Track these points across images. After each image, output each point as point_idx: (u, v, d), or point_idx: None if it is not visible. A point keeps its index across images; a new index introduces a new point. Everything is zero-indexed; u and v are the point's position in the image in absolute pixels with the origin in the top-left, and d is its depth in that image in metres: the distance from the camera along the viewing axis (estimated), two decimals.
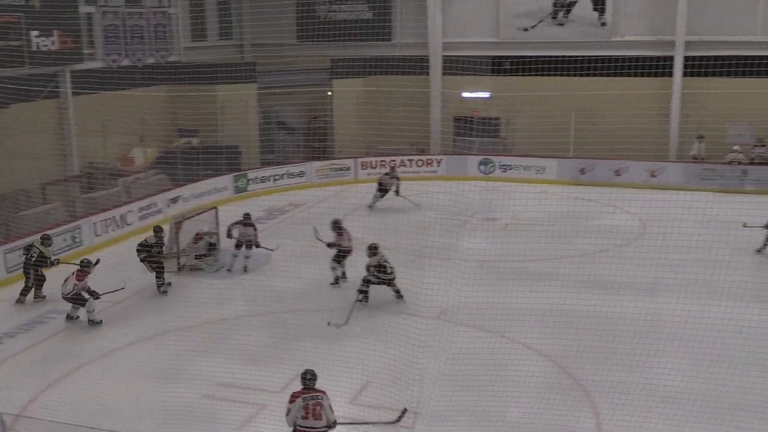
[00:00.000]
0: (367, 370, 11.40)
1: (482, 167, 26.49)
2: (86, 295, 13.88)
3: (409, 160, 26.61)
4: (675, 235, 17.85)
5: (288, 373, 11.69)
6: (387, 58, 27.03)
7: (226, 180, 23.58)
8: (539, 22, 27.26)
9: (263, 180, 24.57)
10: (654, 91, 26.13)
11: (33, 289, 15.30)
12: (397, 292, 14.80)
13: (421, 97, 28.32)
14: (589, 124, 25.74)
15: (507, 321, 13.20)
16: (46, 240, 15.53)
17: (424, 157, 26.81)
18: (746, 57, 23.84)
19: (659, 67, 25.50)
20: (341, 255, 15.89)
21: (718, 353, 11.73)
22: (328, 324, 13.63)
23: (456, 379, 11.40)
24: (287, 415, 9.29)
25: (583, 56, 25.44)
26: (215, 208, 18.94)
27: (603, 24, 26.66)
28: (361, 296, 14.56)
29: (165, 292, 15.64)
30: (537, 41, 27.23)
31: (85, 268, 14.06)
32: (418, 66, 27.56)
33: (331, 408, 9.32)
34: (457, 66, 25.98)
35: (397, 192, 22.23)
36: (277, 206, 22.69)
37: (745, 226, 17.16)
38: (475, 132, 27.36)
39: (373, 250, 14.73)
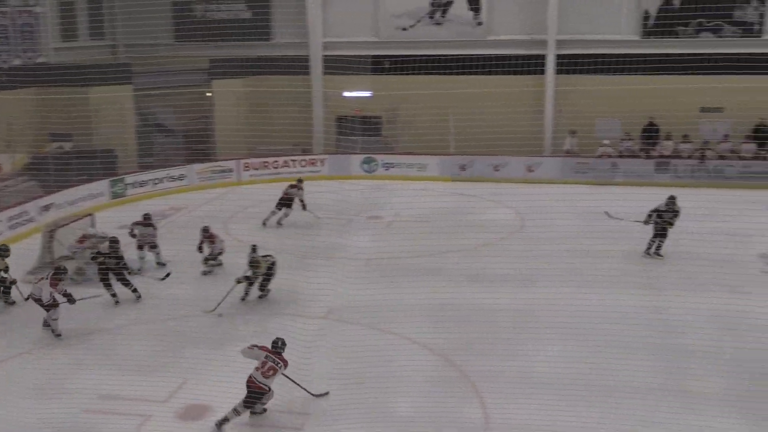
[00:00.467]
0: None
1: (365, 166, 26.68)
2: (61, 299, 13.39)
3: (293, 160, 26.49)
4: (552, 226, 18.60)
5: (173, 381, 11.45)
6: (267, 58, 26.80)
7: (102, 185, 22.75)
8: (417, 22, 27.70)
9: (142, 184, 23.86)
10: (529, 89, 27.01)
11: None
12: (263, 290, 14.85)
13: (302, 97, 28.23)
14: (468, 122, 26.33)
15: (393, 317, 13.36)
16: (3, 252, 14.77)
17: (307, 157, 26.75)
18: (613, 55, 25.01)
19: (533, 65, 26.39)
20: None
21: (593, 339, 12.29)
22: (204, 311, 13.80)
23: (345, 378, 11.44)
24: (244, 350, 10.62)
25: (461, 55, 26.10)
26: (91, 214, 18.28)
27: (479, 23, 27.35)
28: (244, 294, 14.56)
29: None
30: (416, 40, 27.65)
31: (61, 274, 13.65)
32: (299, 66, 27.46)
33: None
34: (338, 65, 26.05)
35: (303, 206, 20.46)
36: (158, 211, 22.05)
37: (607, 215, 17.84)
38: (357, 131, 27.55)
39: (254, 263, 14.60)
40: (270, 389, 10.38)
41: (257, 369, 10.32)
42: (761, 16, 25.43)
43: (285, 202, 20.36)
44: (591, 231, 17.96)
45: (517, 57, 26.28)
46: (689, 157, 24.80)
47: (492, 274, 15.85)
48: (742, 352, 12.06)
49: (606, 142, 25.78)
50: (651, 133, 26.06)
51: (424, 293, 14.27)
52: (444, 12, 27.55)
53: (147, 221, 16.99)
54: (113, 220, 18.21)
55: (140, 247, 16.80)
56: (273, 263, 14.73)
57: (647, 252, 17.31)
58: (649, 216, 17.10)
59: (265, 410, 10.60)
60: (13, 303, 14.85)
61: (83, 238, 16.80)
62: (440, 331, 13.12)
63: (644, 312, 13.91)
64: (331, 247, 17.96)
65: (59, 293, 13.52)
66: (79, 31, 27.31)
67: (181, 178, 24.69)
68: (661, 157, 25.18)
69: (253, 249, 14.99)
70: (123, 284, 15.01)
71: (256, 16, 28.33)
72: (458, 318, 13.63)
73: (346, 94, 28.23)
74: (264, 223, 20.26)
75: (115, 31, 28.76)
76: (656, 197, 17.65)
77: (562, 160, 25.87)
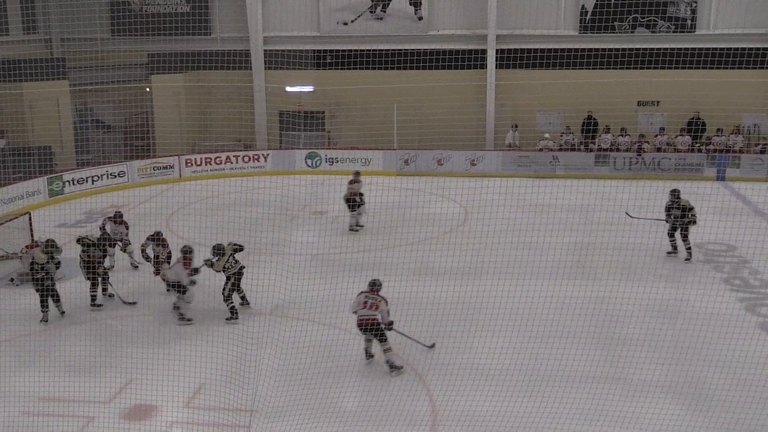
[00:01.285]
0: (200, 372, 11.17)
1: (309, 161, 26.59)
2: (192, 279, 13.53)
3: (235, 156, 26.22)
4: (495, 220, 18.81)
5: (116, 381, 11.28)
6: (207, 52, 26.51)
7: (38, 183, 22.18)
8: (359, 17, 27.70)
9: (80, 182, 23.35)
10: (470, 83, 27.26)
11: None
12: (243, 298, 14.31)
13: (244, 92, 27.99)
14: (411, 116, 26.51)
15: (340, 313, 13.36)
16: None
17: (250, 153, 26.50)
18: (551, 50, 25.46)
19: (474, 60, 26.64)
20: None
21: (536, 330, 12.51)
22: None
23: (292, 374, 11.41)
24: (352, 303, 11.98)
25: (403, 50, 26.18)
26: (28, 213, 17.82)
27: (420, 18, 27.48)
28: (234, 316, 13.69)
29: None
30: (357, 35, 27.64)
31: (190, 253, 13.69)
32: (240, 60, 27.22)
33: (388, 312, 11.79)
34: (280, 60, 25.92)
35: (361, 201, 19.55)
36: (97, 208, 21.67)
37: (628, 215, 17.67)
38: (300, 126, 27.46)
39: (218, 250, 13.78)
40: (390, 323, 11.77)
41: (363, 309, 11.76)
42: (693, 12, 26.14)
43: (353, 198, 19.52)
44: (533, 224, 18.23)
45: (458, 52, 26.58)
46: (627, 150, 25.36)
47: (437, 267, 15.97)
48: (680, 340, 12.41)
49: (547, 135, 26.19)
50: (590, 127, 26.58)
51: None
52: (385, 7, 27.61)
53: (119, 219, 16.59)
54: (51, 219, 17.79)
55: (112, 245, 16.10)
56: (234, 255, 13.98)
57: (673, 251, 17.17)
58: (668, 214, 17.09)
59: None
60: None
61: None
62: None
63: (585, 302, 14.19)
64: (275, 243, 17.84)
65: (189, 274, 13.46)
66: (11, 25, 26.54)
67: (121, 175, 24.24)
68: (601, 150, 25.69)
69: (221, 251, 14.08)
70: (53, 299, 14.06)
71: (195, 10, 27.99)
72: (404, 312, 13.69)
73: (289, 88, 28.09)
74: (355, 229, 19.38)
75: (50, 24, 28.07)
76: (596, 189, 17.99)
77: (504, 153, 26.19)
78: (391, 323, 11.83)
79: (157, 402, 10.59)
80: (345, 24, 27.82)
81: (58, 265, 14.21)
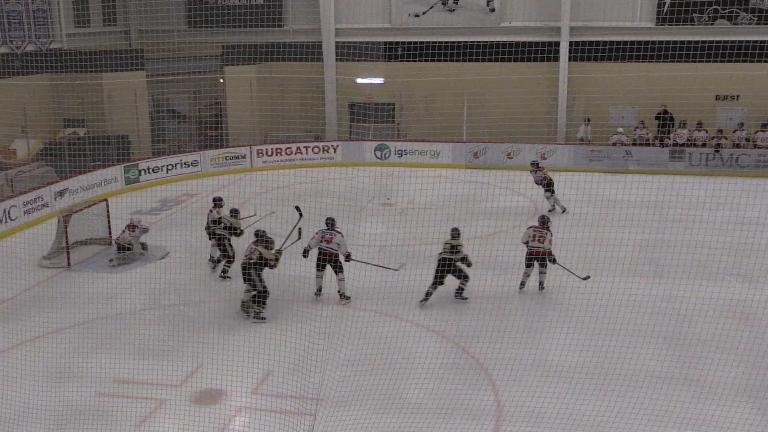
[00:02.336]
0: (268, 360, 11.35)
1: (378, 153, 26.66)
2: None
3: (305, 147, 26.48)
4: (566, 214, 18.53)
5: (187, 366, 11.54)
6: (280, 44, 26.80)
7: (115, 171, 22.83)
8: (430, 8, 27.58)
9: (155, 170, 23.94)
10: (542, 76, 26.90)
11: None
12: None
13: (315, 84, 28.21)
14: (481, 109, 26.30)
15: (407, 304, 13.39)
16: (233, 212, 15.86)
17: (320, 144, 26.73)
18: (627, 42, 24.87)
19: (547, 52, 26.26)
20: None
21: (605, 327, 12.28)
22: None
23: (357, 364, 11.48)
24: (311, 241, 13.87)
25: (474, 42, 26.00)
26: (105, 200, 18.36)
27: (492, 10, 27.22)
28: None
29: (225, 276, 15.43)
30: (428, 27, 27.55)
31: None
32: (311, 52, 27.44)
33: (345, 245, 13.80)
34: (351, 52, 26.04)
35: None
36: (171, 197, 22.18)
37: None
38: (370, 118, 27.55)
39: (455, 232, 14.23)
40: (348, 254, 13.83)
41: (323, 243, 13.83)
42: None
43: (546, 182, 19.92)
44: (605, 219, 17.90)
45: (530, 44, 26.21)
46: (704, 146, 24.66)
47: (505, 261, 15.81)
48: (756, 341, 12.03)
49: (620, 129, 25.65)
50: (665, 121, 25.91)
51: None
52: None
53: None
54: (127, 206, 18.29)
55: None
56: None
57: None
58: None
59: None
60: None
61: (131, 227, 16.84)
62: (452, 318, 13.15)
63: (657, 300, 13.89)
64: (344, 234, 17.97)
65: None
66: (92, 17, 27.36)
67: (194, 164, 24.75)
68: (676, 145, 25.04)
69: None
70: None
71: (268, 2, 28.33)
72: (471, 305, 13.64)
73: (359, 80, 28.20)
74: (560, 209, 19.80)
75: (128, 17, 28.83)
76: (670, 185, 17.56)
77: (576, 147, 25.77)
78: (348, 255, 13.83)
79: (225, 387, 10.80)
80: (416, 16, 27.75)
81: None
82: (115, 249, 16.72)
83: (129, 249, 16.54)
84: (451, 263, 13.65)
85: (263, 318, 13.35)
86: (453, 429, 9.86)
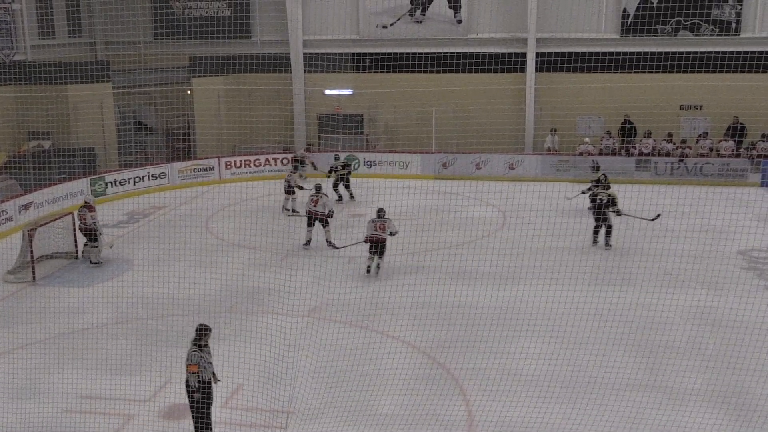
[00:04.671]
0: (238, 373, 11.25)
1: None
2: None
3: (274, 158, 26.40)
4: (533, 224, 18.66)
5: (155, 380, 11.40)
6: (248, 55, 26.73)
7: (82, 184, 22.56)
8: (398, 20, 27.72)
9: (122, 183, 23.71)
10: (509, 86, 27.12)
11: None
12: None
13: (284, 95, 28.18)
14: (450, 120, 26.45)
15: (377, 315, 13.37)
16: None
17: (289, 155, 26.64)
18: (592, 53, 25.20)
19: (513, 63, 26.49)
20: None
21: (574, 336, 12.37)
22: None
23: (328, 376, 11.44)
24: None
25: (442, 53, 26.17)
26: (71, 213, 18.12)
27: (459, 21, 27.41)
28: None
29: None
30: (396, 38, 27.67)
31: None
32: (279, 63, 27.40)
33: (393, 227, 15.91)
34: (319, 63, 26.06)
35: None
36: (138, 210, 21.98)
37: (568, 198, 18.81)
38: (339, 129, 27.57)
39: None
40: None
41: (376, 231, 15.82)
42: (738, 14, 25.68)
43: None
44: (572, 228, 18.07)
45: (497, 55, 26.44)
46: (668, 155, 25.01)
47: (474, 271, 15.90)
48: (722, 348, 12.19)
49: (586, 139, 25.94)
50: (628, 131, 26.24)
51: (406, 291, 14.30)
52: (424, 10, 27.59)
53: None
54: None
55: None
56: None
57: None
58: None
59: None
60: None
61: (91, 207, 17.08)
62: (424, 329, 13.15)
63: (625, 309, 14.02)
64: (313, 246, 17.96)
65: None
66: (56, 29, 27.09)
67: (162, 176, 24.55)
68: (641, 154, 25.37)
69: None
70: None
71: (235, 14, 28.27)
72: (442, 316, 13.66)
73: (327, 92, 28.22)
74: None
75: (94, 28, 28.59)
76: (636, 194, 17.76)
77: (543, 158, 25.99)
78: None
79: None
80: (384, 27, 27.86)
81: None
82: (85, 243, 16.71)
83: (94, 236, 16.60)
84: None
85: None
86: None
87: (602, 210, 17.75)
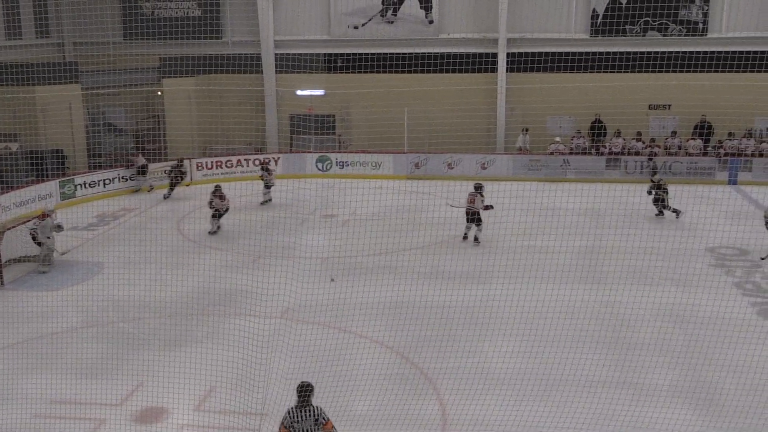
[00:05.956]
0: (211, 375, 11.21)
1: (319, 165, 26.64)
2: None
3: (246, 159, 26.29)
4: (505, 223, 18.76)
5: (127, 384, 11.33)
6: (219, 56, 26.61)
7: (51, 186, 22.30)
8: (369, 20, 27.74)
9: (92, 185, 23.47)
10: (481, 87, 27.25)
11: None
12: None
13: (255, 96, 28.08)
14: (422, 120, 26.51)
15: (350, 316, 13.37)
16: None
17: (261, 156, 26.56)
18: (562, 53, 25.45)
19: (485, 63, 26.63)
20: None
21: (546, 334, 12.48)
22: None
23: (302, 377, 11.37)
24: None
25: (413, 53, 26.22)
26: (46, 215, 17.89)
27: (430, 22, 27.50)
28: None
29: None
30: (368, 39, 27.68)
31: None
32: (251, 64, 27.31)
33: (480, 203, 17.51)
34: (291, 64, 25.99)
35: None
36: (109, 212, 21.79)
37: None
38: (311, 129, 27.52)
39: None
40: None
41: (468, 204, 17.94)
42: (705, 15, 26.03)
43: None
44: (544, 227, 18.21)
45: (468, 55, 26.58)
46: (637, 154, 25.28)
47: (447, 271, 15.96)
48: (690, 344, 12.36)
49: (557, 139, 26.14)
50: (598, 130, 26.50)
51: (379, 291, 14.32)
52: (395, 10, 27.64)
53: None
54: (64, 222, 17.84)
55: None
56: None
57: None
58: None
59: None
60: None
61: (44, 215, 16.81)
62: (396, 329, 13.18)
63: (596, 306, 14.16)
64: (285, 247, 17.90)
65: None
66: (24, 29, 26.75)
67: (132, 178, 24.32)
68: (611, 153, 25.62)
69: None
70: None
71: (206, 14, 28.10)
72: (414, 316, 13.70)
73: (299, 92, 28.16)
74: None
75: (62, 29, 28.25)
76: (607, 193, 17.97)
77: (515, 157, 26.15)
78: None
79: (167, 405, 10.62)
80: (356, 28, 27.87)
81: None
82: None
83: (39, 243, 16.45)
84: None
85: None
86: None
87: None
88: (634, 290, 14.73)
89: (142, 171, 24.30)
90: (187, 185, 23.96)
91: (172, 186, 23.87)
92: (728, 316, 12.84)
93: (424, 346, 12.47)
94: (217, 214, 19.44)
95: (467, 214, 18.17)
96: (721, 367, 11.51)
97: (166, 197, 23.59)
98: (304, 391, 8.50)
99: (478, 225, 18.02)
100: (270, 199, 22.71)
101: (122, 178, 24.17)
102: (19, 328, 13.36)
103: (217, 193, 19.49)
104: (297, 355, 11.99)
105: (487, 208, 17.89)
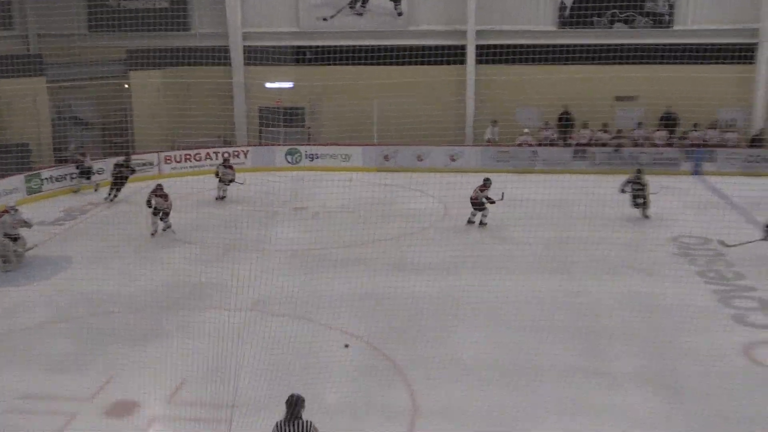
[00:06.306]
0: (182, 368, 11.21)
1: (289, 157, 26.60)
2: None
3: (215, 152, 26.15)
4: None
5: (98, 378, 11.29)
6: (186, 48, 26.39)
7: (16, 181, 22.01)
8: (338, 12, 27.71)
9: (59, 179, 23.21)
10: (450, 78, 27.37)
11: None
12: None
13: (224, 88, 27.93)
14: (391, 112, 26.56)
15: (320, 307, 13.43)
16: None
17: (230, 149, 26.45)
18: (530, 45, 25.61)
19: (454, 55, 26.74)
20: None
21: (514, 323, 12.65)
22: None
23: (272, 369, 11.45)
24: None
25: (382, 45, 26.23)
26: (7, 211, 17.68)
27: (399, 14, 27.54)
28: None
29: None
30: (337, 31, 27.66)
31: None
32: (219, 56, 27.15)
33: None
34: (259, 56, 25.86)
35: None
36: (76, 206, 21.59)
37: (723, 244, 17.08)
38: (280, 122, 27.43)
39: None
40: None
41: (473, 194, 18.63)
42: (671, 7, 26.36)
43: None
44: (511, 218, 18.38)
45: (437, 47, 26.65)
46: (604, 145, 25.57)
47: (416, 262, 16.05)
48: (656, 332, 12.59)
49: (526, 130, 26.35)
50: (567, 122, 26.74)
51: (349, 283, 14.39)
52: (364, 2, 27.64)
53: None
54: (30, 217, 17.67)
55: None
56: None
57: None
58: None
59: None
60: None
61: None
62: (366, 320, 13.26)
63: (563, 296, 14.34)
64: (256, 240, 17.87)
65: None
66: None
67: (99, 172, 24.07)
68: (579, 145, 25.89)
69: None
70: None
71: (173, 6, 27.86)
72: (384, 306, 13.78)
73: (268, 85, 28.06)
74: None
75: (26, 20, 27.83)
76: (575, 184, 18.19)
77: (484, 149, 26.32)
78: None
79: (139, 398, 10.61)
80: (324, 20, 27.82)
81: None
82: None
83: None
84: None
85: None
86: (369, 429, 9.97)
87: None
88: (600, 280, 14.95)
89: (86, 172, 23.19)
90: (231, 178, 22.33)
91: (116, 186, 22.29)
92: (691, 304, 13.11)
93: (394, 337, 12.56)
94: (158, 213, 18.50)
95: (473, 203, 18.93)
96: (685, 354, 11.76)
97: (106, 199, 22.15)
98: (294, 404, 8.00)
99: (482, 211, 18.84)
100: (225, 196, 22.02)
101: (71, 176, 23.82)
102: None
103: (158, 192, 18.55)
104: (267, 346, 12.01)
105: (489, 200, 18.70)
